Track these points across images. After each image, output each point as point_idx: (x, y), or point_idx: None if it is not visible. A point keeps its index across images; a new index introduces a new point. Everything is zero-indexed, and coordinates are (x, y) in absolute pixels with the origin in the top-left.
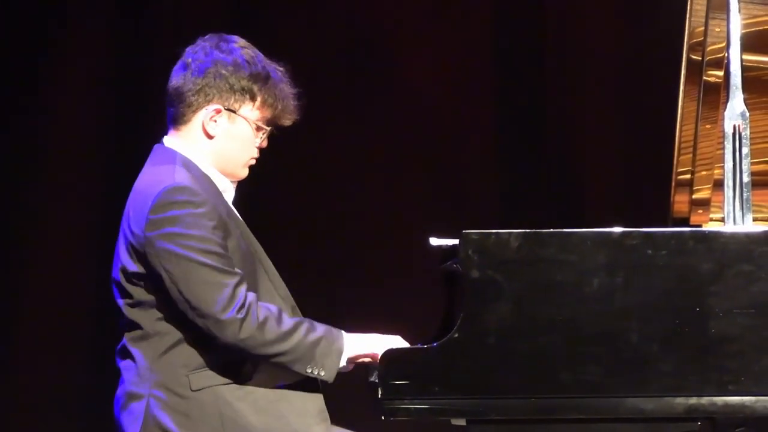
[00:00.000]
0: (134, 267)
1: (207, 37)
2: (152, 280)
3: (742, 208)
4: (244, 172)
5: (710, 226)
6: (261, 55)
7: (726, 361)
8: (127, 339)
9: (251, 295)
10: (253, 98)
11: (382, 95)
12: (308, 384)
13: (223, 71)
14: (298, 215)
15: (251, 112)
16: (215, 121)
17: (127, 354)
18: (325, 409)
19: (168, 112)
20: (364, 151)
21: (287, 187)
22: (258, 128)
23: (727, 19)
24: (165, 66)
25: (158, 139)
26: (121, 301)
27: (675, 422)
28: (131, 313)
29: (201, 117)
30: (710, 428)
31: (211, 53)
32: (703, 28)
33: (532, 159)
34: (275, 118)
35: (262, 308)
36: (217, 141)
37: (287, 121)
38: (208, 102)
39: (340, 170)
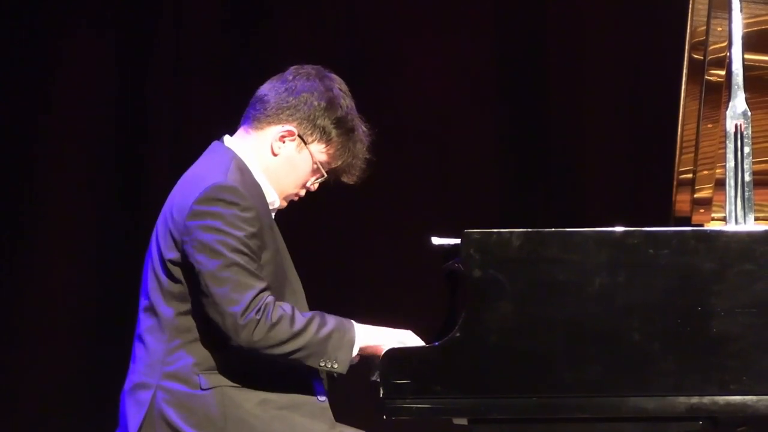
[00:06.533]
0: (171, 254)
1: (312, 66)
2: (185, 269)
3: (743, 208)
4: (282, 203)
5: (712, 226)
6: (354, 108)
7: (728, 361)
8: (144, 328)
9: (270, 298)
10: (328, 141)
11: (384, 95)
12: (318, 396)
13: (315, 102)
14: (298, 215)
15: (319, 152)
16: (283, 141)
17: (141, 343)
18: (333, 418)
19: (246, 113)
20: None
21: None
22: (317, 170)
23: (729, 19)
24: (165, 66)
25: (162, 141)
26: (150, 287)
27: (677, 422)
28: (157, 302)
29: (274, 131)
30: (712, 427)
31: (313, 82)
32: (704, 28)
33: (533, 158)
34: (337, 170)
35: (278, 309)
36: (277, 161)
37: (347, 179)
38: (287, 121)
39: None
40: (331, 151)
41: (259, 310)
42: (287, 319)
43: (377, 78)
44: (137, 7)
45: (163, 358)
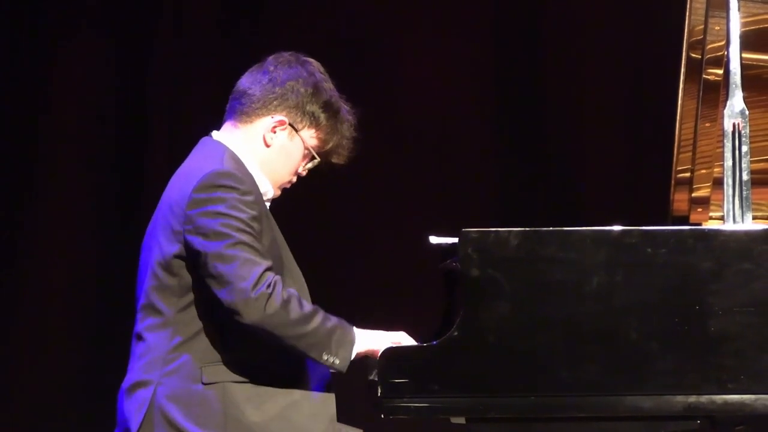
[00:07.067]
0: (170, 248)
1: (289, 53)
2: (188, 261)
3: (741, 207)
4: (276, 192)
5: (710, 225)
6: (335, 89)
7: (725, 360)
8: (143, 326)
9: (278, 276)
10: (317, 126)
11: (382, 94)
12: (324, 387)
13: (302, 89)
14: (296, 214)
15: (311, 138)
16: (275, 131)
17: (141, 341)
18: (335, 413)
19: (231, 107)
20: (364, 149)
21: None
22: (308, 155)
23: (727, 18)
24: (165, 66)
25: (162, 142)
26: (147, 285)
27: (674, 420)
28: (156, 300)
29: (265, 123)
30: (709, 427)
31: (296, 69)
32: (702, 27)
33: (531, 157)
34: (328, 152)
35: (286, 289)
36: (270, 151)
37: (337, 159)
38: (276, 111)
39: (340, 169)
40: (321, 135)
41: (269, 285)
42: (296, 300)
43: (376, 78)
44: (137, 7)
45: (165, 355)
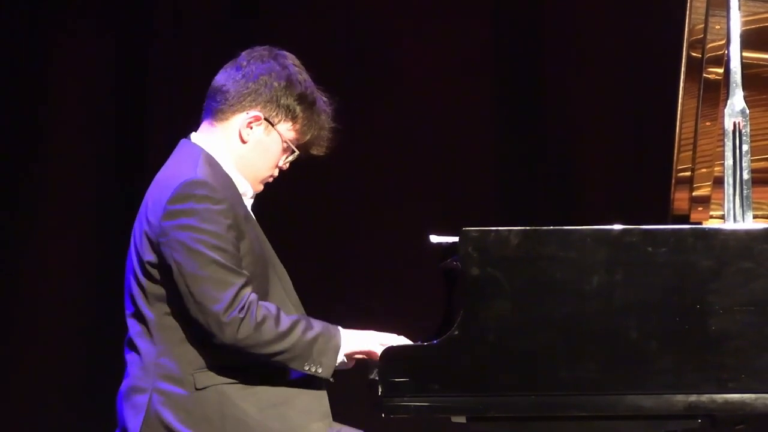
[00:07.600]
0: (149, 256)
1: (263, 47)
2: (164, 271)
3: (742, 206)
4: (259, 187)
5: (710, 224)
6: (311, 81)
7: (726, 359)
8: (133, 332)
9: (253, 296)
10: (294, 118)
11: (383, 93)
12: (313, 384)
13: (275, 83)
14: (296, 213)
15: (287, 131)
16: (251, 127)
17: (132, 347)
18: (329, 410)
19: (207, 106)
20: (364, 149)
21: (286, 184)
22: (288, 148)
23: (727, 17)
24: (165, 63)
25: (160, 142)
26: (132, 292)
27: (675, 419)
28: (141, 306)
29: (239, 119)
30: (710, 425)
31: (268, 63)
32: (703, 26)
33: (531, 155)
34: (307, 144)
35: (261, 308)
36: (247, 147)
37: (317, 151)
38: (251, 107)
39: (340, 168)
40: (298, 127)
41: (242, 308)
42: (272, 319)
43: (376, 77)
44: (137, 6)
45: (155, 361)
